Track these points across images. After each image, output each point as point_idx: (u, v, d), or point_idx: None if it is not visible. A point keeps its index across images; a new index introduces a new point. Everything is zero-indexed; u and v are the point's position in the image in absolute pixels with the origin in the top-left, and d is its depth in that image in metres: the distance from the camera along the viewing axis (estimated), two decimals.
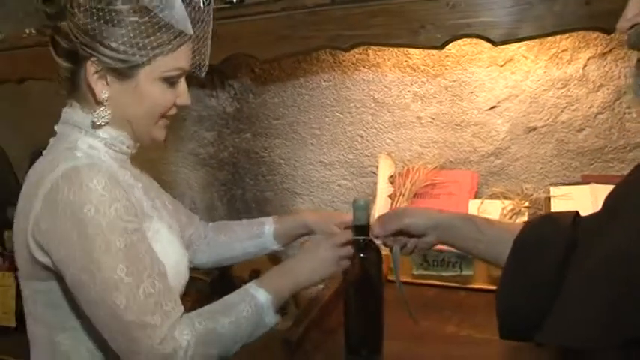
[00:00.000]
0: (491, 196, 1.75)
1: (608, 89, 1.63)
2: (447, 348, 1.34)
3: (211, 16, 1.15)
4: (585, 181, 1.64)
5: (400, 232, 1.22)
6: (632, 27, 0.88)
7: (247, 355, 1.15)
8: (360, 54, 1.88)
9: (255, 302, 1.11)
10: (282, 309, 1.18)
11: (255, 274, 1.71)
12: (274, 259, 1.72)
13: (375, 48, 1.83)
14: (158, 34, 1.04)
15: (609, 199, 0.94)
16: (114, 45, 1.03)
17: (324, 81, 1.97)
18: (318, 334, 1.43)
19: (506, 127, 1.76)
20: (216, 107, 2.17)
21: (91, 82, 1.05)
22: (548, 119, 1.71)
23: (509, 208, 1.69)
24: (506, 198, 1.72)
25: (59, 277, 1.05)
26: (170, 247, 1.16)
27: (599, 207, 0.96)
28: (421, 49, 1.72)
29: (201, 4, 1.12)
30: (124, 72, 1.05)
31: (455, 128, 1.82)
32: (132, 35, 1.02)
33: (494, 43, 1.38)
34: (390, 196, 1.79)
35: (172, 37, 1.06)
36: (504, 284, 1.03)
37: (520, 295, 0.98)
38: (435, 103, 1.83)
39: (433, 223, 1.20)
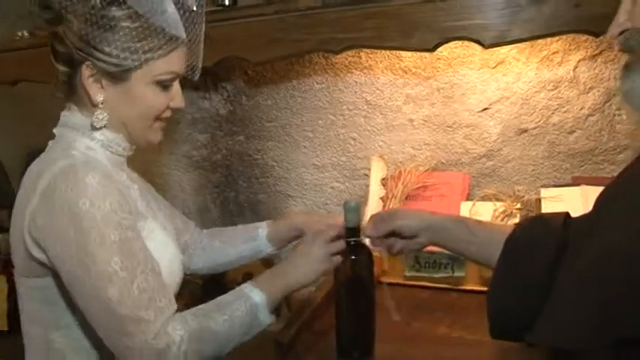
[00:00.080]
0: (483, 198, 1.75)
1: (598, 91, 1.64)
2: (438, 349, 1.34)
3: (204, 20, 1.16)
4: (576, 182, 1.64)
5: (392, 234, 1.23)
6: (622, 32, 0.89)
7: (239, 357, 1.16)
8: (353, 56, 1.88)
9: (249, 301, 1.12)
10: (275, 310, 1.18)
11: (247, 277, 1.71)
12: (267, 262, 1.72)
13: (367, 51, 1.84)
14: (149, 38, 1.06)
15: (599, 201, 0.95)
16: (107, 49, 1.05)
17: (317, 83, 1.97)
18: (310, 336, 1.43)
19: (497, 129, 1.77)
20: (209, 110, 2.17)
21: (87, 85, 1.08)
22: (539, 121, 1.72)
23: (501, 209, 1.69)
24: (497, 200, 1.73)
25: (55, 274, 1.06)
26: (164, 246, 1.17)
27: (590, 208, 0.96)
28: (413, 52, 1.72)
29: (194, 8, 1.13)
30: (117, 75, 1.07)
31: (447, 130, 1.83)
32: (124, 40, 1.05)
33: (485, 46, 1.38)
34: (382, 198, 1.79)
35: (164, 42, 1.08)
36: (495, 285, 1.03)
37: (511, 296, 0.99)
38: (427, 105, 1.83)
39: (425, 225, 1.20)
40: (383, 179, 1.83)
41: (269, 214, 2.14)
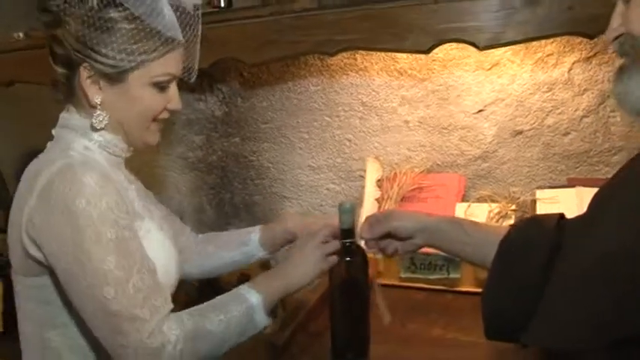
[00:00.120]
0: (479, 199, 1.76)
1: (592, 93, 1.65)
2: (433, 351, 1.35)
3: (200, 22, 1.17)
4: (571, 184, 1.65)
5: (387, 235, 1.23)
6: (616, 37, 0.89)
7: (234, 358, 1.16)
8: (348, 58, 1.89)
9: (246, 303, 1.12)
10: (272, 312, 1.18)
11: (244, 278, 1.71)
12: (264, 265, 1.72)
13: (363, 52, 1.84)
14: (145, 40, 1.07)
15: (594, 202, 0.95)
16: (104, 51, 1.06)
17: (313, 85, 1.98)
18: (305, 338, 1.44)
19: (493, 130, 1.77)
20: (204, 111, 2.17)
21: (84, 86, 1.09)
22: (534, 123, 1.72)
23: (496, 211, 1.69)
24: (493, 201, 1.73)
25: (52, 273, 1.07)
26: (160, 246, 1.17)
27: (585, 210, 0.97)
28: (408, 54, 1.72)
29: (191, 11, 1.14)
30: (114, 77, 1.08)
31: (442, 132, 1.83)
32: (120, 41, 1.06)
33: (479, 48, 1.39)
34: (377, 200, 1.79)
35: (159, 44, 1.09)
36: (490, 286, 1.03)
37: (506, 297, 0.99)
38: (423, 106, 1.84)
39: (420, 226, 1.20)
40: (378, 181, 1.84)
41: (264, 216, 2.14)
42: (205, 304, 1.12)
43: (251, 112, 2.10)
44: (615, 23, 0.89)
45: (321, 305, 1.51)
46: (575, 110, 1.67)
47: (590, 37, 1.31)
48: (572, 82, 1.66)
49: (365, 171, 1.87)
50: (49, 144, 1.16)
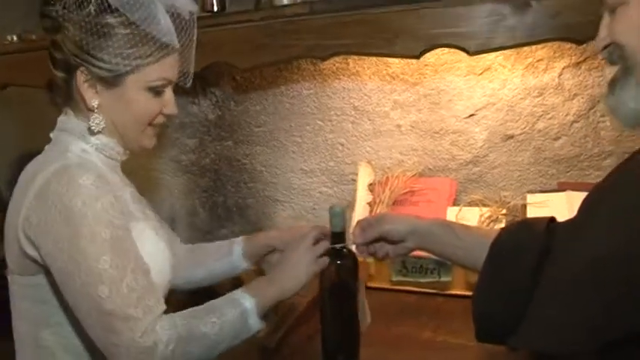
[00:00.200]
0: (470, 204, 1.77)
1: (582, 98, 1.66)
2: (422, 354, 1.36)
3: (195, 27, 1.19)
4: (561, 188, 1.66)
5: (379, 239, 1.23)
6: (605, 47, 0.90)
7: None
8: (340, 63, 1.90)
9: (240, 307, 1.13)
10: (265, 316, 1.19)
11: (237, 282, 1.71)
12: (259, 271, 1.72)
13: (355, 57, 1.85)
14: (140, 45, 1.10)
15: (584, 205, 0.95)
16: (100, 55, 1.09)
17: (305, 89, 1.98)
18: (296, 340, 1.44)
19: (484, 135, 1.78)
20: (198, 114, 2.18)
21: (82, 90, 1.12)
22: (525, 127, 1.73)
23: (487, 215, 1.70)
24: (484, 205, 1.74)
25: (47, 272, 1.09)
26: (154, 246, 1.18)
27: (575, 214, 0.97)
28: (400, 58, 1.73)
29: (186, 17, 1.16)
30: (110, 81, 1.11)
31: (434, 136, 1.84)
32: (117, 46, 1.09)
33: (469, 53, 1.40)
34: (369, 204, 1.80)
35: (155, 49, 1.11)
36: (481, 290, 1.03)
37: (496, 300, 0.99)
38: (414, 111, 1.85)
39: (412, 229, 1.20)
40: (370, 184, 1.84)
41: (257, 219, 2.15)
42: (199, 307, 1.13)
43: (244, 116, 2.10)
44: (602, 33, 0.91)
45: (312, 308, 1.51)
46: (566, 115, 1.68)
47: (579, 42, 1.32)
48: (563, 87, 1.67)
49: (357, 175, 1.88)
50: (47, 146, 1.19)
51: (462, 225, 1.25)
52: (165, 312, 1.08)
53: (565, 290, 0.86)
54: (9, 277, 1.18)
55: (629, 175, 0.89)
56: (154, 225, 1.25)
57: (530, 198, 1.67)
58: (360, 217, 1.73)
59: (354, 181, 1.92)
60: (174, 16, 1.14)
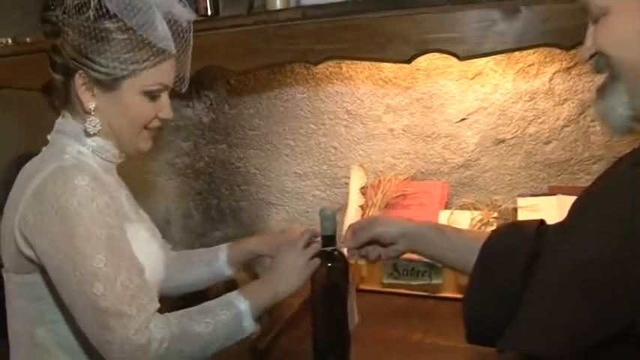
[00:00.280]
0: (461, 207, 1.77)
1: (573, 103, 1.67)
2: (412, 356, 1.37)
3: (191, 33, 1.22)
4: (552, 192, 1.67)
5: (371, 241, 1.24)
6: (591, 56, 0.92)
7: None
8: (334, 67, 1.91)
9: (235, 309, 1.14)
10: (259, 319, 1.20)
11: (230, 285, 1.71)
12: (253, 274, 1.73)
13: (348, 61, 1.86)
14: (137, 50, 1.12)
15: (573, 209, 0.96)
16: (98, 59, 1.11)
17: (299, 93, 1.99)
18: (287, 342, 1.45)
19: (475, 139, 1.80)
20: (192, 117, 2.18)
21: (79, 93, 1.14)
22: (516, 131, 1.75)
23: (479, 218, 1.71)
24: (475, 208, 1.75)
25: (43, 270, 1.10)
26: (148, 245, 1.21)
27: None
28: (392, 63, 1.75)
29: (184, 24, 1.19)
30: (107, 84, 1.13)
31: (426, 140, 1.85)
32: (114, 50, 1.11)
33: (460, 58, 1.41)
34: (361, 207, 1.81)
35: (151, 54, 1.13)
36: (471, 291, 1.04)
37: (487, 302, 1.00)
38: (407, 115, 1.86)
39: (403, 232, 1.21)
40: (362, 188, 1.85)
41: (251, 222, 2.16)
42: (193, 307, 1.14)
43: (238, 119, 2.11)
44: (588, 43, 0.91)
45: (303, 310, 1.52)
46: (556, 119, 1.70)
47: (568, 48, 1.33)
48: (553, 91, 1.68)
49: (350, 178, 1.89)
50: (44, 148, 1.21)
51: (453, 228, 1.26)
52: (159, 311, 1.10)
53: (554, 293, 0.87)
54: (5, 276, 1.20)
55: (617, 179, 0.90)
56: (148, 226, 1.28)
57: (521, 202, 1.68)
58: (353, 221, 1.74)
59: (347, 184, 1.93)
60: (172, 22, 1.16)
